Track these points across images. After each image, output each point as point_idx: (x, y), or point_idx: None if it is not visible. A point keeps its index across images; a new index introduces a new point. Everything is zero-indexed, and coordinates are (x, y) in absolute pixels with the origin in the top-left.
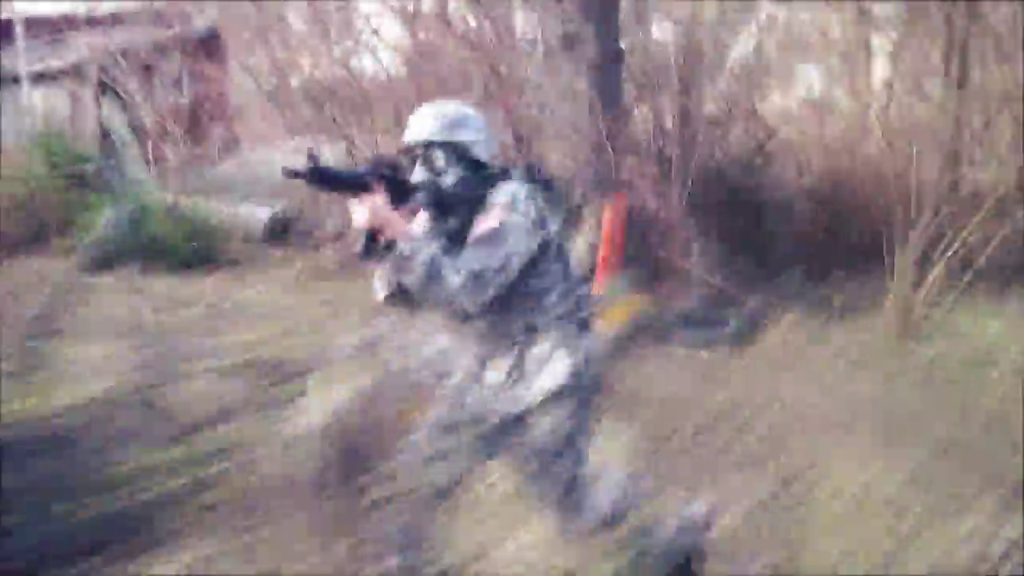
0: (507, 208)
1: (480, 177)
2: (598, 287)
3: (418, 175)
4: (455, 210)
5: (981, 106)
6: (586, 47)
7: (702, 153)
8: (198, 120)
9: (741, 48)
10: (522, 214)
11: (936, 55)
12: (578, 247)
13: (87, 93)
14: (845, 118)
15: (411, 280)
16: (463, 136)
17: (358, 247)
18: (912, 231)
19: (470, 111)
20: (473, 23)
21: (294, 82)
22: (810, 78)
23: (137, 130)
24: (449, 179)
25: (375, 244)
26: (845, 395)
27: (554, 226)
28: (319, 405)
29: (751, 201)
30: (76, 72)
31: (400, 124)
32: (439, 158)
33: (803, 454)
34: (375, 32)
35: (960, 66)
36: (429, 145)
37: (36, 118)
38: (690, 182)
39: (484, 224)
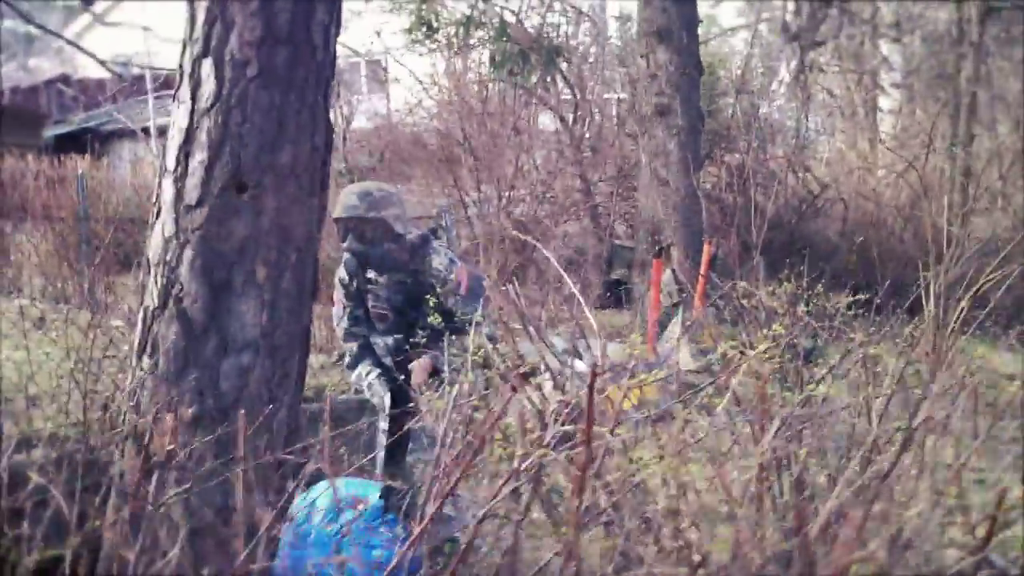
0: (460, 266)
1: (403, 247)
2: (698, 313)
3: (349, 244)
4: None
5: (990, 162)
6: (674, 115)
7: (764, 203)
8: None
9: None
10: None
11: (943, 118)
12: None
13: None
14: (869, 173)
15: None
16: (385, 213)
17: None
18: (936, 273)
19: (391, 191)
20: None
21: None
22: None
23: None
24: (376, 250)
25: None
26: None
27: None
28: None
29: (803, 243)
30: None
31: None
32: (367, 231)
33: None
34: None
35: (967, 128)
36: (357, 220)
37: None
38: (757, 227)
39: (463, 284)
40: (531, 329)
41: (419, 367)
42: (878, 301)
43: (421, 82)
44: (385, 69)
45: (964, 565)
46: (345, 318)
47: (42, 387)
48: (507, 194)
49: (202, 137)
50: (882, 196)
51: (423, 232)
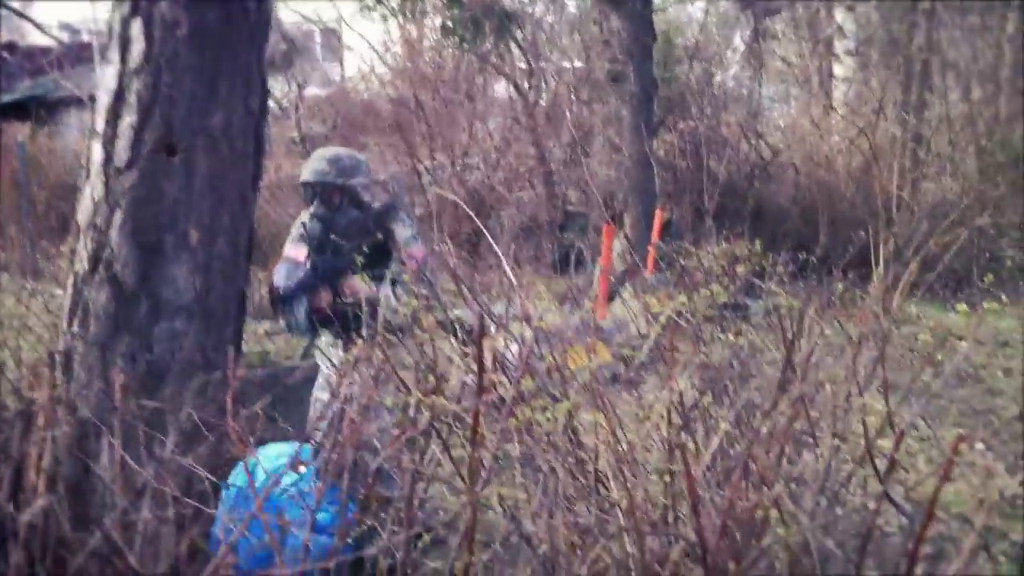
0: (419, 245)
1: (369, 215)
2: (649, 276)
3: (316, 209)
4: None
5: (940, 128)
6: (628, 82)
7: (717, 169)
8: None
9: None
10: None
11: (895, 85)
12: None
13: None
14: (822, 140)
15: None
16: (355, 181)
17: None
18: (887, 234)
19: (360, 158)
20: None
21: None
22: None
23: None
24: (342, 217)
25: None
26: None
27: None
28: None
29: (755, 208)
30: None
31: None
32: (335, 198)
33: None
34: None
35: (918, 94)
36: (326, 185)
37: None
38: (710, 193)
39: (419, 253)
40: (464, 290)
41: (357, 281)
42: (814, 260)
43: (375, 49)
44: (339, 37)
45: (864, 501)
46: (306, 267)
47: None
48: (460, 161)
49: (131, 99)
50: (834, 162)
51: (389, 200)
